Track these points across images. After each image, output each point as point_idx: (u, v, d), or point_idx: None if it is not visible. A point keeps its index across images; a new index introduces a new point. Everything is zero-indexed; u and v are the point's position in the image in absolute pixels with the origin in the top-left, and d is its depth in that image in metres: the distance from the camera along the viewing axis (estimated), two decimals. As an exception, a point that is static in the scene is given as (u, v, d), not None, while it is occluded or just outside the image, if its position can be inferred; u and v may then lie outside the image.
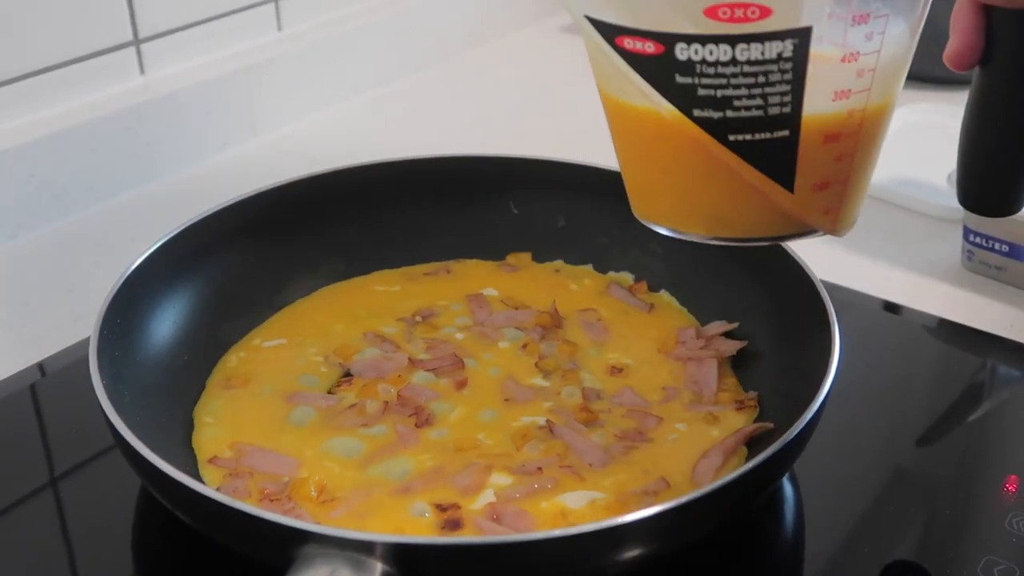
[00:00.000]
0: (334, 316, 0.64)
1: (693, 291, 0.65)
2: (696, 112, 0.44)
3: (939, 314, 0.68)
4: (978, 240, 0.70)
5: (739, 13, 0.42)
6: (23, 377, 0.63)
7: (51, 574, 0.51)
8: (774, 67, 0.43)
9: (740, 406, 0.56)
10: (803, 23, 0.42)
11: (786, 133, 0.44)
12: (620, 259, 0.68)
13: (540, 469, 0.52)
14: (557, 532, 0.43)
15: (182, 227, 0.62)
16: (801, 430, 0.47)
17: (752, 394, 0.57)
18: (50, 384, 0.64)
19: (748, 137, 0.44)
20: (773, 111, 0.43)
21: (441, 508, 0.50)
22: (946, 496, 0.55)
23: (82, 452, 0.58)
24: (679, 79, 0.43)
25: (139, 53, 0.85)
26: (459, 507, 0.50)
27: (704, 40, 0.42)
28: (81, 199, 0.80)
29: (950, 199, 0.74)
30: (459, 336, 0.62)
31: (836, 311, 0.54)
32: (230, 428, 0.55)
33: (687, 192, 0.48)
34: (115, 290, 0.56)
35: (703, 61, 0.43)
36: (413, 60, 1.04)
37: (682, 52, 0.43)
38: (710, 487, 0.44)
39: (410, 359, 0.59)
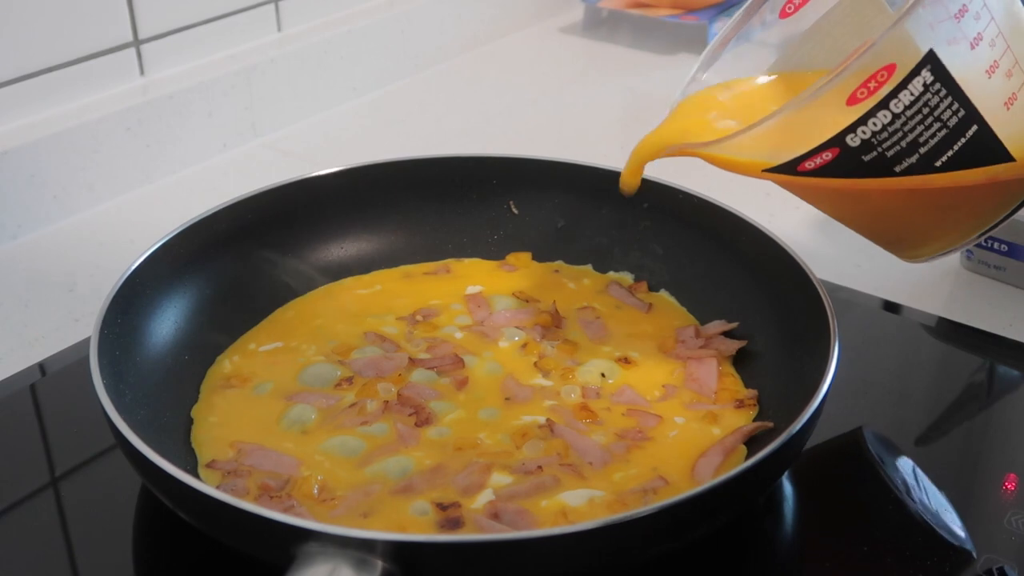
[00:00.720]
0: (333, 316, 0.64)
1: (693, 291, 0.65)
2: (898, 168, 0.49)
3: (938, 313, 0.68)
4: (977, 240, 0.71)
5: (872, 85, 0.47)
6: (24, 377, 0.63)
7: (52, 574, 0.51)
8: (929, 94, 0.47)
9: (739, 405, 0.56)
10: (923, 51, 0.47)
11: (975, 127, 0.48)
12: (620, 259, 0.68)
13: (540, 468, 0.52)
14: (557, 530, 0.43)
15: (182, 227, 0.62)
16: (800, 429, 0.48)
17: (752, 393, 0.57)
18: (51, 384, 0.64)
19: (950, 153, 0.49)
20: (952, 122, 0.48)
21: (441, 507, 0.50)
22: (946, 495, 0.55)
23: (83, 452, 0.58)
24: (866, 158, 0.49)
25: (139, 54, 0.85)
26: (459, 506, 0.50)
27: (863, 121, 0.48)
28: (82, 200, 0.80)
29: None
30: (459, 335, 0.62)
31: (836, 310, 0.54)
32: (230, 428, 0.55)
33: (939, 222, 0.54)
34: (115, 290, 0.57)
35: (873, 135, 0.48)
36: (412, 61, 1.04)
37: (853, 141, 0.48)
38: (709, 485, 0.44)
39: (410, 358, 0.59)
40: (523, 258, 0.69)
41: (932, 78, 0.47)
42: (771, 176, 0.51)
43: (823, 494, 0.55)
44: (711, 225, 0.65)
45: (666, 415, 0.56)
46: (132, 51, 0.84)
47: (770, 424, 0.54)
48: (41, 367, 0.64)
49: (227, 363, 0.60)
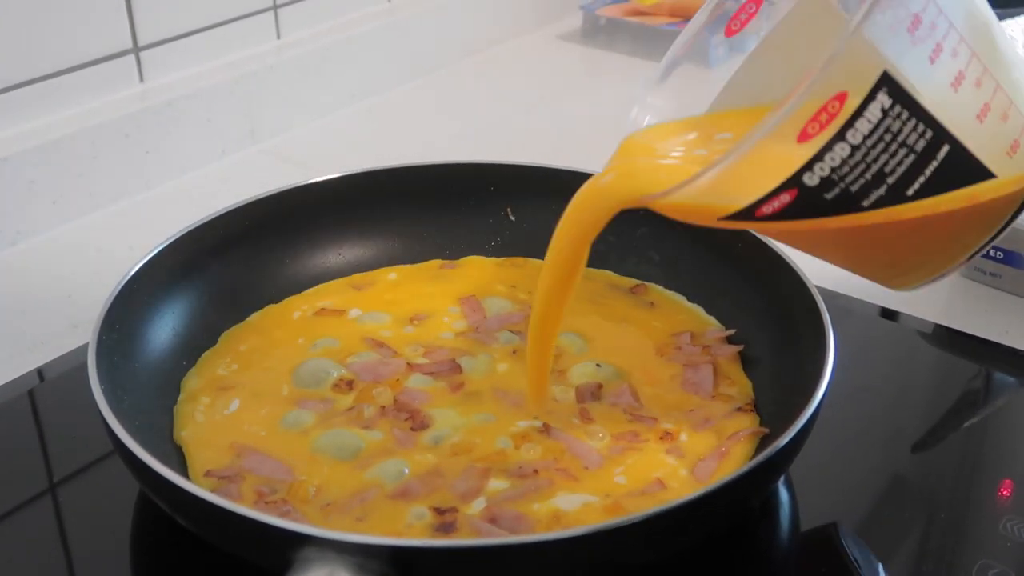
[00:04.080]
0: (327, 321, 0.64)
1: (690, 297, 0.65)
2: (866, 203, 0.44)
3: (935, 320, 0.68)
4: (973, 247, 0.71)
5: (824, 117, 0.42)
6: (22, 383, 0.63)
7: (50, 579, 0.51)
8: (889, 119, 0.42)
9: (736, 410, 0.56)
10: (877, 74, 0.42)
11: (946, 148, 0.43)
12: (617, 266, 0.68)
13: (536, 471, 0.52)
14: (555, 534, 0.43)
15: (181, 233, 0.62)
16: (795, 435, 0.48)
17: (748, 398, 0.57)
18: (49, 390, 0.64)
19: (922, 180, 0.44)
20: (920, 145, 0.43)
21: (438, 511, 0.50)
22: (941, 501, 0.55)
23: (81, 458, 0.58)
24: (829, 196, 0.43)
25: (138, 61, 0.85)
26: (456, 510, 0.50)
27: (819, 158, 0.42)
28: (81, 206, 0.81)
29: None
30: (454, 339, 0.62)
31: (833, 317, 0.55)
32: (225, 432, 0.55)
33: (921, 251, 0.48)
34: (114, 296, 0.57)
35: (833, 171, 0.43)
36: (411, 68, 1.04)
37: (811, 180, 0.43)
38: (705, 490, 0.44)
39: (407, 363, 0.59)
40: (518, 261, 0.69)
41: (890, 101, 0.42)
42: (729, 224, 0.46)
43: (819, 499, 0.55)
44: (708, 232, 0.65)
45: (662, 419, 0.56)
46: (131, 58, 0.84)
47: (766, 430, 0.54)
48: (39, 373, 0.64)
49: (221, 364, 0.60)
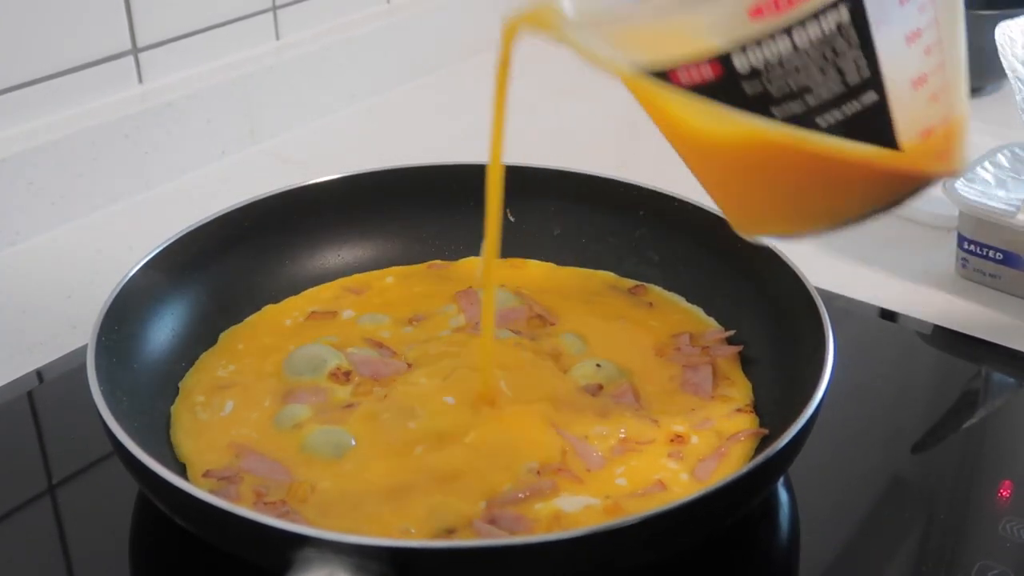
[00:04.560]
0: (326, 321, 0.64)
1: (689, 298, 0.65)
2: (778, 112, 0.42)
3: (934, 321, 0.69)
4: (972, 248, 0.71)
5: (784, 3, 0.40)
6: (21, 384, 0.63)
7: (49, 580, 0.51)
8: (839, 38, 0.41)
9: (736, 411, 0.56)
10: None
11: (874, 96, 0.42)
12: (616, 267, 0.68)
13: (537, 472, 0.52)
14: (555, 535, 0.43)
15: (180, 234, 0.62)
16: (795, 436, 0.48)
17: (748, 399, 0.57)
18: (48, 391, 0.64)
19: (838, 116, 0.42)
20: (852, 80, 0.42)
21: (437, 511, 0.50)
22: (941, 502, 0.55)
23: (80, 459, 0.58)
24: (748, 89, 0.42)
25: (137, 62, 0.85)
26: (455, 510, 0.50)
27: (760, 44, 0.41)
28: (80, 206, 0.81)
29: (945, 207, 0.75)
30: (453, 337, 0.62)
31: (833, 318, 0.55)
32: (223, 433, 0.55)
33: (794, 194, 0.46)
34: (113, 297, 0.57)
35: (766, 64, 0.41)
36: (410, 69, 1.04)
37: (742, 65, 0.41)
38: (704, 491, 0.45)
39: (406, 361, 0.59)
40: (517, 262, 0.69)
41: (848, 19, 0.41)
42: (633, 81, 0.43)
43: (819, 500, 0.55)
44: (707, 233, 0.65)
45: (662, 420, 0.56)
46: (131, 59, 0.84)
47: (766, 431, 0.54)
48: (38, 374, 0.64)
49: (219, 366, 0.60)
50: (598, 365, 0.59)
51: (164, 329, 0.60)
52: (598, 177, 0.69)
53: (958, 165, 0.46)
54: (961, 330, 0.68)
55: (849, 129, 0.43)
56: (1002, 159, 0.74)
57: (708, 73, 0.42)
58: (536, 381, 0.58)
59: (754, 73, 0.42)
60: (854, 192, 0.45)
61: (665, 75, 0.43)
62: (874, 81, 0.42)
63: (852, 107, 0.42)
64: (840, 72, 0.42)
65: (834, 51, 0.41)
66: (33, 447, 0.59)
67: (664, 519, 0.44)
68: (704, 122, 0.44)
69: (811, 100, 0.42)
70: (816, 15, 0.41)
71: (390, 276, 0.68)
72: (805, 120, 0.42)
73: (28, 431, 0.61)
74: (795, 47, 0.41)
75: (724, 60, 0.41)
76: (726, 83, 0.42)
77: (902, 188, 0.45)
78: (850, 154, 0.43)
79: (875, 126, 0.43)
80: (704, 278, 0.65)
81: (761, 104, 0.42)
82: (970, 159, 0.47)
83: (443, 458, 0.53)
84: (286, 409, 0.56)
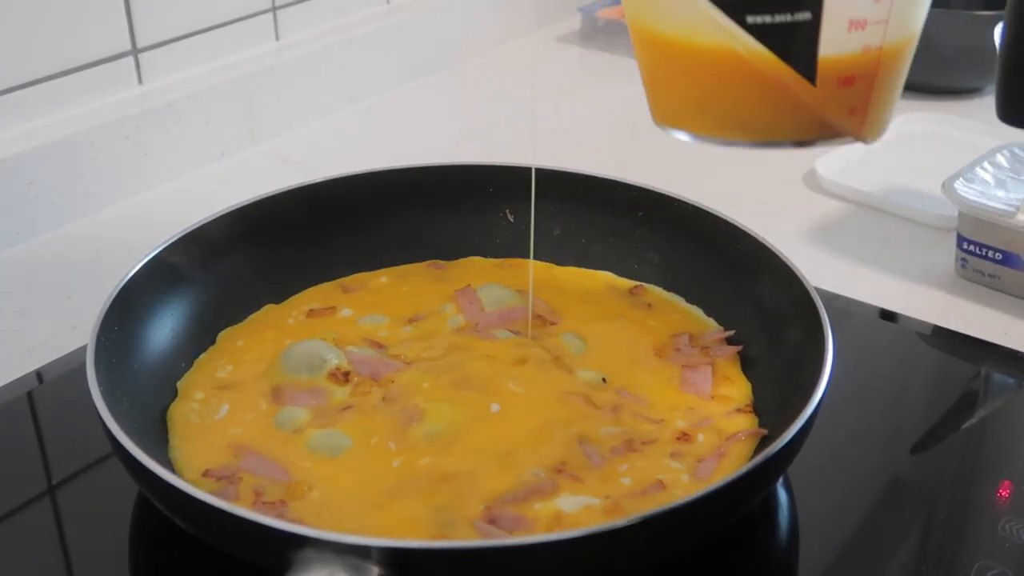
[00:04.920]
0: (325, 321, 0.64)
1: (688, 298, 0.65)
2: None
3: (934, 322, 0.69)
4: (972, 248, 0.71)
5: None
6: (21, 385, 0.63)
7: (48, 580, 0.51)
8: None
9: (735, 411, 0.56)
10: None
11: (807, 15, 0.42)
12: (616, 267, 0.68)
13: (537, 472, 0.52)
14: (554, 536, 0.43)
15: (180, 235, 0.62)
16: (794, 436, 0.48)
17: (748, 399, 0.57)
18: (48, 392, 0.64)
19: (768, 19, 0.42)
20: None
21: (437, 511, 0.50)
22: (940, 502, 0.55)
23: (80, 459, 0.58)
24: None
25: (137, 62, 0.85)
26: (456, 510, 0.50)
27: None
28: (79, 207, 0.81)
29: (944, 207, 0.75)
30: (452, 337, 0.62)
31: (832, 319, 0.55)
32: (221, 433, 0.55)
33: (708, 91, 0.46)
34: (112, 297, 0.57)
35: None
36: (410, 69, 1.04)
37: None
38: (704, 491, 0.45)
39: (405, 361, 0.59)
40: (517, 262, 0.69)
41: None
42: None
43: (818, 501, 0.55)
44: (706, 233, 0.65)
45: (661, 420, 0.56)
46: (130, 59, 0.84)
47: (765, 431, 0.54)
48: (38, 374, 0.64)
49: (218, 367, 0.60)
50: (604, 380, 0.59)
51: (164, 329, 0.60)
52: (598, 177, 0.69)
53: (868, 132, 0.45)
54: (961, 330, 0.68)
55: (773, 38, 0.42)
56: (1001, 159, 0.74)
57: None
58: (536, 381, 0.58)
59: None
60: (764, 109, 0.45)
61: None
62: (814, 2, 0.41)
63: (783, 16, 0.42)
64: None
65: None
66: (33, 448, 0.59)
67: (664, 519, 0.44)
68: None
69: None
70: None
71: (389, 276, 0.68)
72: (736, 9, 0.42)
73: (28, 432, 0.61)
74: None
75: None
76: None
77: (808, 127, 0.45)
78: (765, 63, 0.43)
79: (798, 46, 0.42)
80: (703, 278, 0.65)
81: None
82: (884, 133, 0.46)
83: (442, 458, 0.53)
84: (285, 411, 0.56)
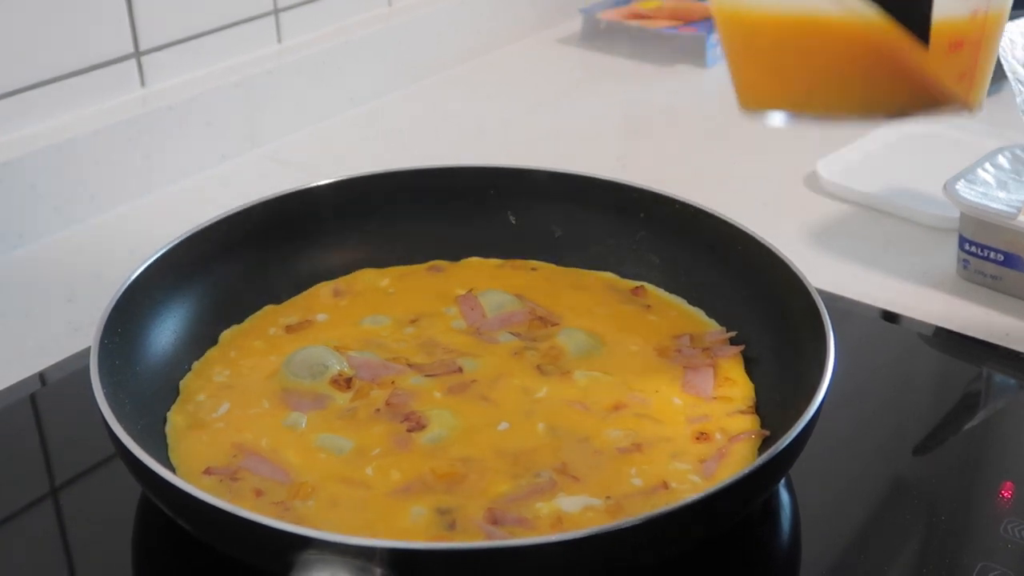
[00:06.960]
0: (325, 322, 0.64)
1: (689, 300, 0.65)
2: None
3: (935, 323, 0.69)
4: (974, 249, 0.71)
5: None
6: (24, 387, 0.64)
7: (51, 582, 0.52)
8: None
9: (737, 412, 0.56)
10: None
11: None
12: (617, 268, 0.68)
13: (538, 474, 0.52)
14: (556, 537, 0.43)
15: (182, 237, 0.62)
16: (795, 437, 0.48)
17: (750, 400, 0.57)
18: (51, 393, 0.64)
19: None
20: None
21: (439, 512, 0.50)
22: (942, 503, 0.55)
23: (83, 461, 0.58)
24: None
25: (140, 65, 0.85)
26: (457, 511, 0.50)
27: None
28: (82, 210, 0.81)
29: (946, 209, 0.75)
30: (454, 340, 0.62)
31: (834, 320, 0.55)
32: (221, 433, 0.55)
33: (818, 68, 0.46)
34: (115, 300, 0.57)
35: None
36: (411, 72, 1.04)
37: None
38: (706, 492, 0.45)
39: (407, 364, 0.60)
40: (518, 263, 0.69)
41: None
42: None
43: (820, 502, 0.55)
44: (707, 235, 0.65)
45: (663, 421, 0.56)
46: (133, 62, 0.85)
47: (767, 432, 0.54)
48: (41, 377, 0.65)
49: (219, 368, 0.60)
50: (604, 381, 0.59)
51: (166, 331, 0.60)
52: (599, 179, 0.69)
53: (975, 98, 0.46)
54: (962, 331, 0.68)
55: (890, 2, 0.43)
56: (1003, 160, 0.74)
57: None
58: (537, 383, 0.58)
59: None
60: (874, 81, 0.45)
61: None
62: None
63: None
64: None
65: None
66: (36, 449, 0.59)
67: (665, 520, 0.44)
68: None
69: None
70: None
71: (390, 277, 0.68)
72: None
73: (31, 434, 0.61)
74: None
75: None
76: None
77: (915, 98, 0.46)
78: (879, 31, 0.43)
79: (914, 9, 0.43)
80: (705, 280, 0.65)
81: None
82: (983, 105, 0.47)
83: (444, 459, 0.53)
84: (287, 416, 0.56)
